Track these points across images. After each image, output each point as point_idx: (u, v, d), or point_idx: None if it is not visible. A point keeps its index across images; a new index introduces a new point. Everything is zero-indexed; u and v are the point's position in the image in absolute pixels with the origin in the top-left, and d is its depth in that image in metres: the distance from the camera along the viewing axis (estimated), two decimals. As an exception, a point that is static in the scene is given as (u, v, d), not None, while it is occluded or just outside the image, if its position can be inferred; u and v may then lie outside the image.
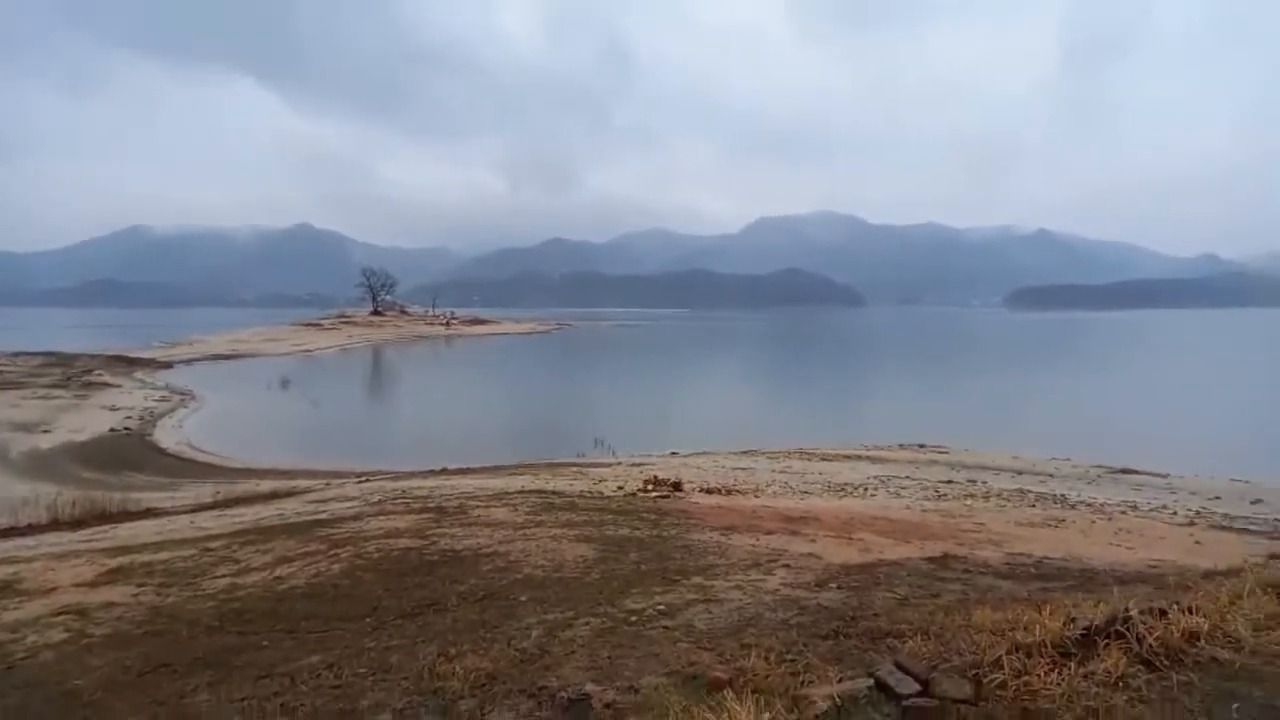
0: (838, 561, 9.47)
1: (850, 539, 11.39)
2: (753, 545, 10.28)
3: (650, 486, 16.64)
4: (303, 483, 24.57)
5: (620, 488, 17.21)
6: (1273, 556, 5.81)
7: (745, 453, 30.59)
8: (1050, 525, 14.94)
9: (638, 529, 11.08)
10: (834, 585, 8.02)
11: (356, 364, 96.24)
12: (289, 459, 34.27)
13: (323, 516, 13.58)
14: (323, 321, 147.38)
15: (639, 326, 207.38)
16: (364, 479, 24.44)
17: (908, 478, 22.95)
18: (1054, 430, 38.41)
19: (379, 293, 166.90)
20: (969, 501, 17.84)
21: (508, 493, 15.00)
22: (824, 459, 28.44)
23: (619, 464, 24.79)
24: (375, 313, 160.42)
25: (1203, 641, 4.33)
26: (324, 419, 47.78)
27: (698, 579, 7.98)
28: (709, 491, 17.24)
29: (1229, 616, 4.60)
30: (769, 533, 11.47)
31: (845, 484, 20.76)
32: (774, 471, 23.48)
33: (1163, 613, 4.48)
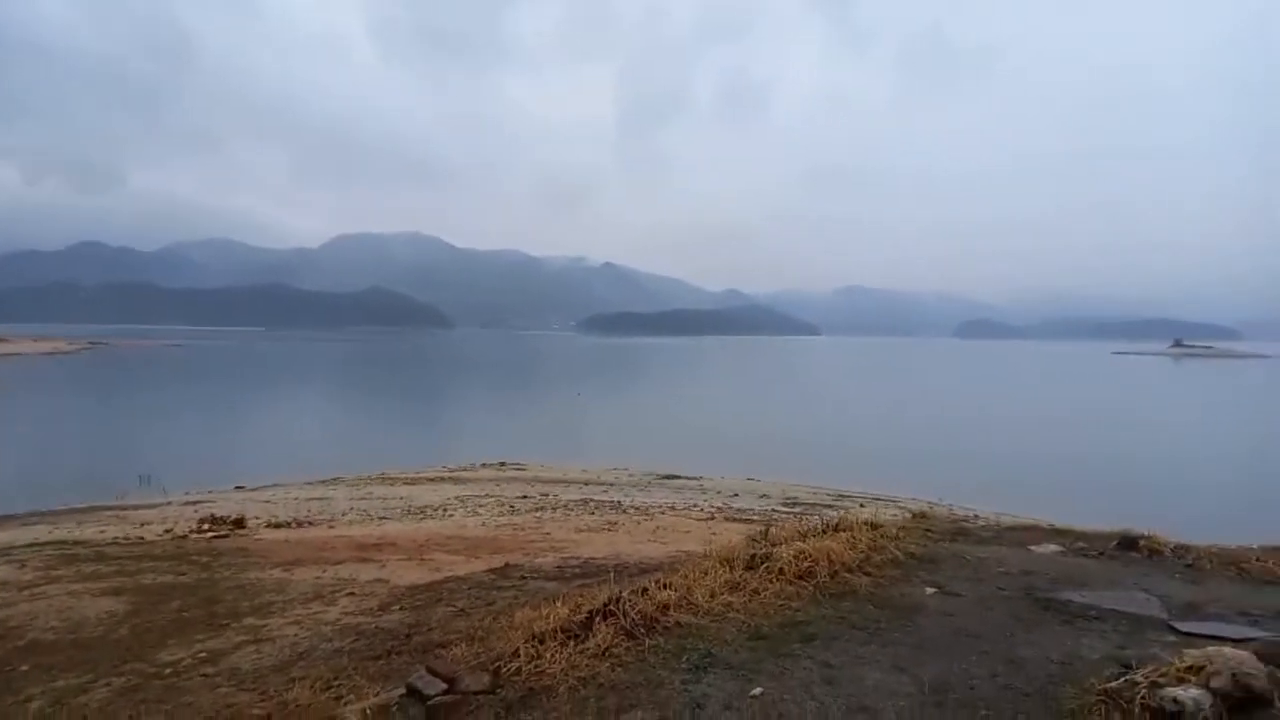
0: (405, 583, 9.74)
1: (423, 560, 11.74)
2: (318, 577, 10.08)
3: (206, 526, 15.21)
4: None
5: (168, 530, 15.44)
6: (751, 539, 7.48)
7: (325, 482, 29.24)
8: (605, 529, 16.86)
9: (184, 574, 10.15)
10: (397, 607, 8.29)
11: None
12: None
13: None
14: None
15: (200, 346, 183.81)
16: None
17: (487, 495, 24.00)
18: (620, 443, 42.74)
19: None
20: (539, 514, 19.32)
21: (13, 547, 12.59)
22: (408, 483, 28.40)
23: (169, 504, 22.05)
24: None
25: (672, 610, 5.45)
26: None
27: (250, 620, 7.66)
28: (278, 526, 16.28)
29: (693, 588, 5.84)
30: (338, 563, 11.32)
31: (425, 506, 21.05)
32: (353, 499, 22.87)
33: (644, 591, 5.54)
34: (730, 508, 23.59)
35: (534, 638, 5.08)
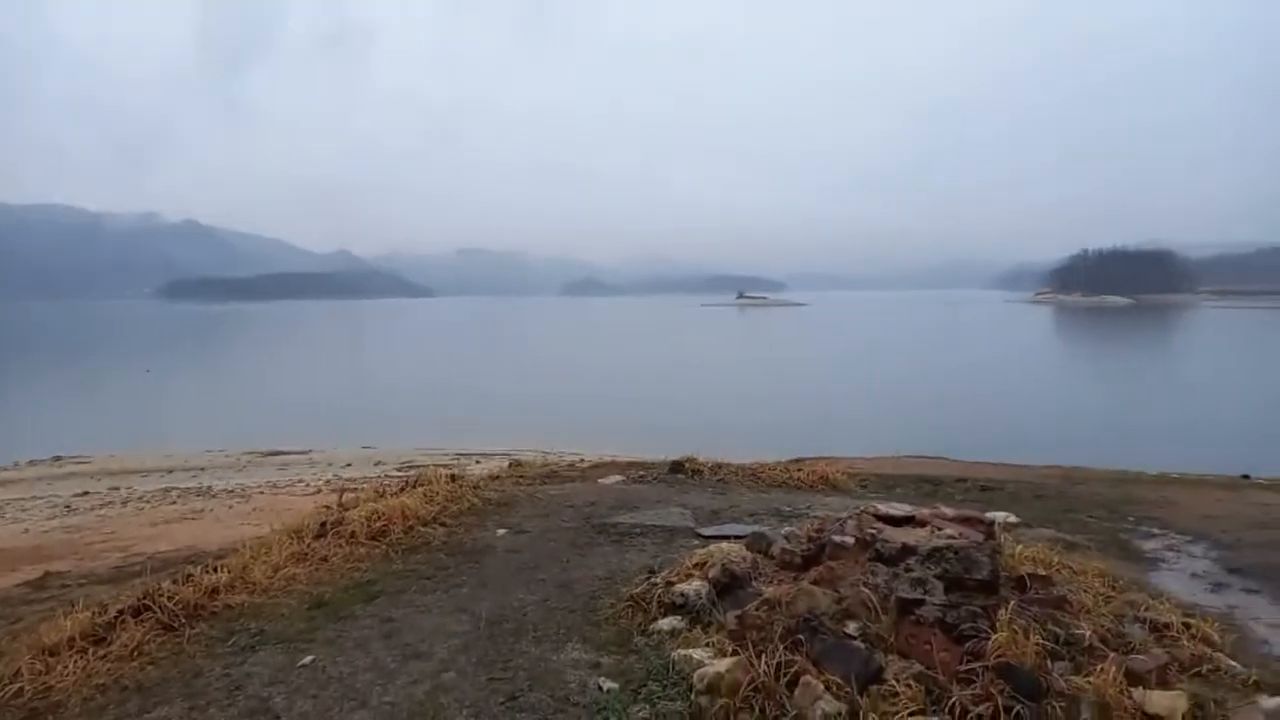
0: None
1: (-73, 587, 9.46)
2: None
3: None
4: None
5: None
6: (324, 506, 7.17)
7: None
8: (189, 518, 15.10)
9: None
10: None
11: None
12: None
13: None
14: None
15: None
16: None
17: (34, 498, 20.05)
18: (210, 422, 38.21)
19: None
20: (104, 511, 16.68)
21: None
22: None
23: None
24: None
25: (223, 593, 5.05)
26: None
27: None
28: None
29: (250, 567, 5.47)
30: None
31: (-57, 522, 16.95)
32: None
33: (189, 578, 5.06)
34: (341, 479, 22.57)
35: (43, 651, 4.39)
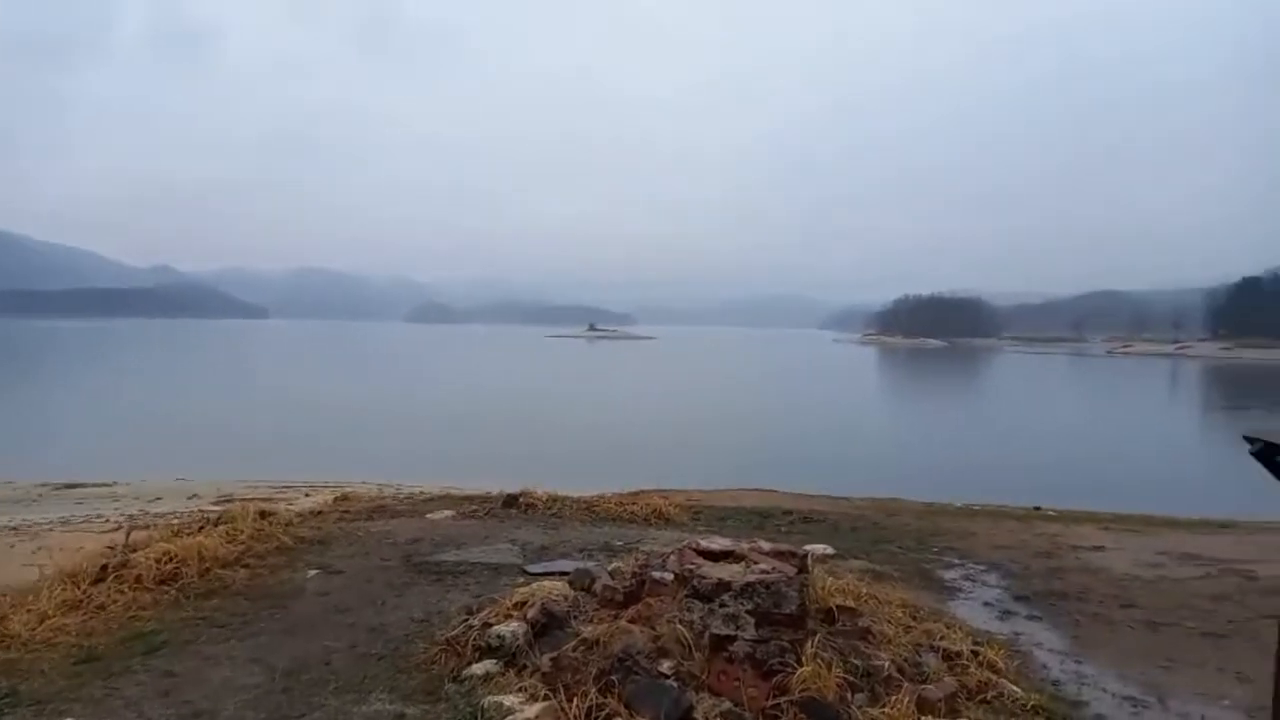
0: None
1: None
2: None
3: None
4: None
5: None
6: (109, 547, 6.42)
7: None
8: (-47, 562, 13.25)
9: None
10: None
11: None
12: None
13: None
14: None
15: None
16: None
17: None
18: (2, 450, 34.09)
19: None
20: None
21: None
22: None
23: None
24: None
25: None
26: None
27: None
28: None
29: (10, 617, 4.83)
30: None
31: None
32: None
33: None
34: (149, 514, 20.59)
35: None
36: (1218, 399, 59.13)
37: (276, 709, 4.06)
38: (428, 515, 8.44)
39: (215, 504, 23.45)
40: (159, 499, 25.39)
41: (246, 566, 6.07)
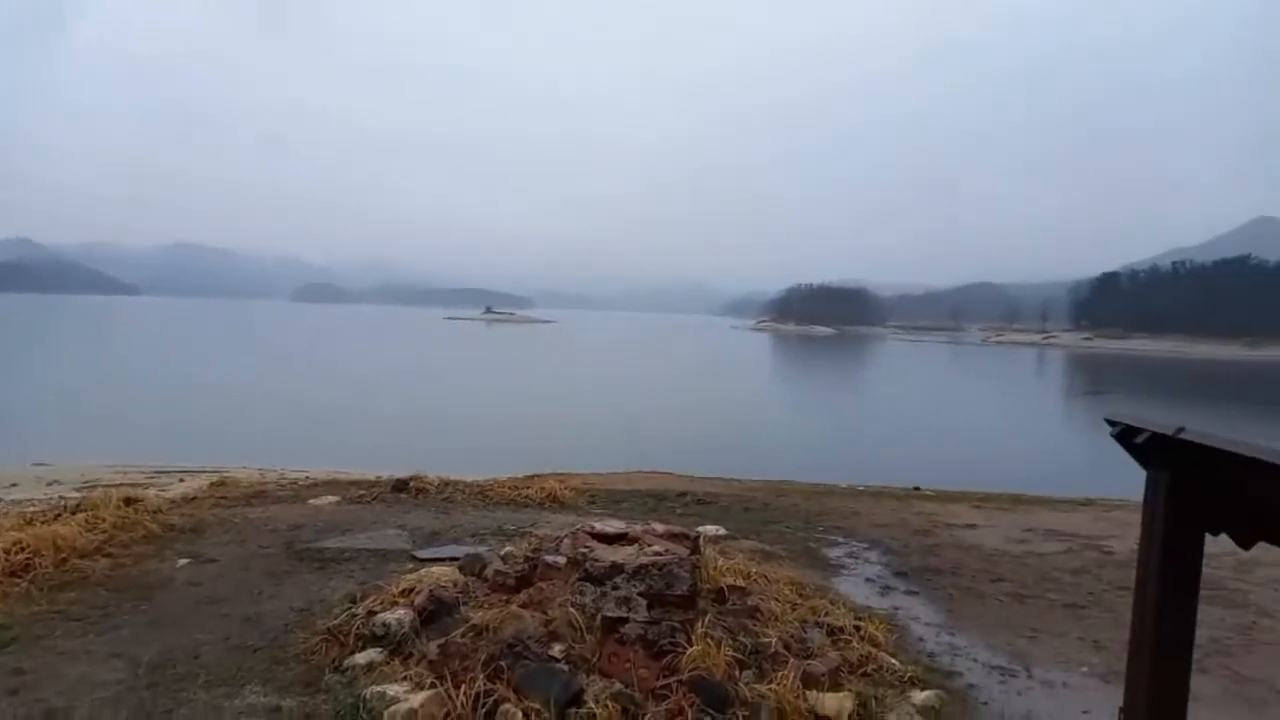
0: None
1: None
2: None
3: None
4: None
5: None
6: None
7: None
8: None
9: None
10: None
11: None
12: None
13: None
14: None
15: None
16: None
17: None
18: None
19: None
20: None
21: None
22: None
23: None
24: None
25: None
26: None
27: None
28: None
29: None
30: None
31: None
32: None
33: None
34: (3, 501, 19.07)
35: None
36: (1079, 385, 63.60)
37: (139, 705, 3.81)
38: (311, 501, 8.10)
39: (78, 491, 21.97)
40: (14, 485, 23.53)
41: (109, 556, 5.66)
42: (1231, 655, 5.01)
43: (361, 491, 8.65)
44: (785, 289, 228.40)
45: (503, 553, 5.73)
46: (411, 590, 4.91)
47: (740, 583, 5.14)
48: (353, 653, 4.39)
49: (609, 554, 4.71)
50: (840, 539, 7.84)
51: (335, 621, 4.69)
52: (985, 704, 4.29)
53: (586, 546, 4.86)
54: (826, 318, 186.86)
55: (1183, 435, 1.89)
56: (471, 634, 4.24)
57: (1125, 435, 2.10)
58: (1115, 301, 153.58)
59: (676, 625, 4.12)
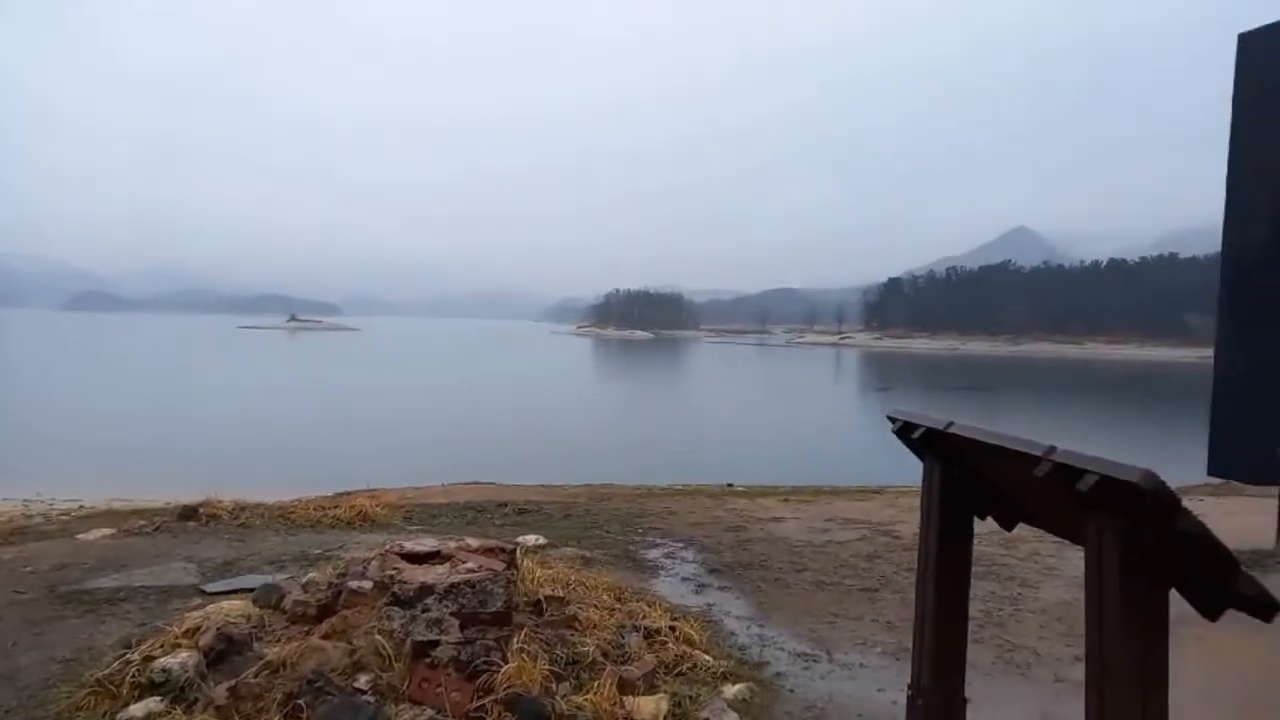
0: None
1: None
2: None
3: None
4: None
5: None
6: None
7: None
8: None
9: None
10: None
11: None
12: None
13: None
14: None
15: None
16: None
17: None
18: None
19: None
20: None
21: None
22: None
23: None
24: None
25: None
26: None
27: None
28: None
29: None
30: None
31: None
32: None
33: None
34: None
35: None
36: (871, 380, 69.16)
37: None
38: (79, 536, 7.19)
39: None
40: None
41: None
42: (1003, 626, 5.55)
43: (142, 522, 7.79)
44: (604, 295, 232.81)
45: (304, 580, 5.32)
46: (197, 629, 4.45)
47: (559, 592, 5.08)
48: (126, 704, 3.91)
49: (419, 575, 4.50)
50: (658, 540, 7.98)
51: (106, 671, 4.16)
52: (792, 691, 4.49)
53: (395, 568, 4.62)
54: (644, 322, 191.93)
55: (951, 430, 2.05)
56: (266, 672, 3.91)
57: (904, 431, 2.25)
58: (899, 304, 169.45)
59: (491, 644, 4.00)
